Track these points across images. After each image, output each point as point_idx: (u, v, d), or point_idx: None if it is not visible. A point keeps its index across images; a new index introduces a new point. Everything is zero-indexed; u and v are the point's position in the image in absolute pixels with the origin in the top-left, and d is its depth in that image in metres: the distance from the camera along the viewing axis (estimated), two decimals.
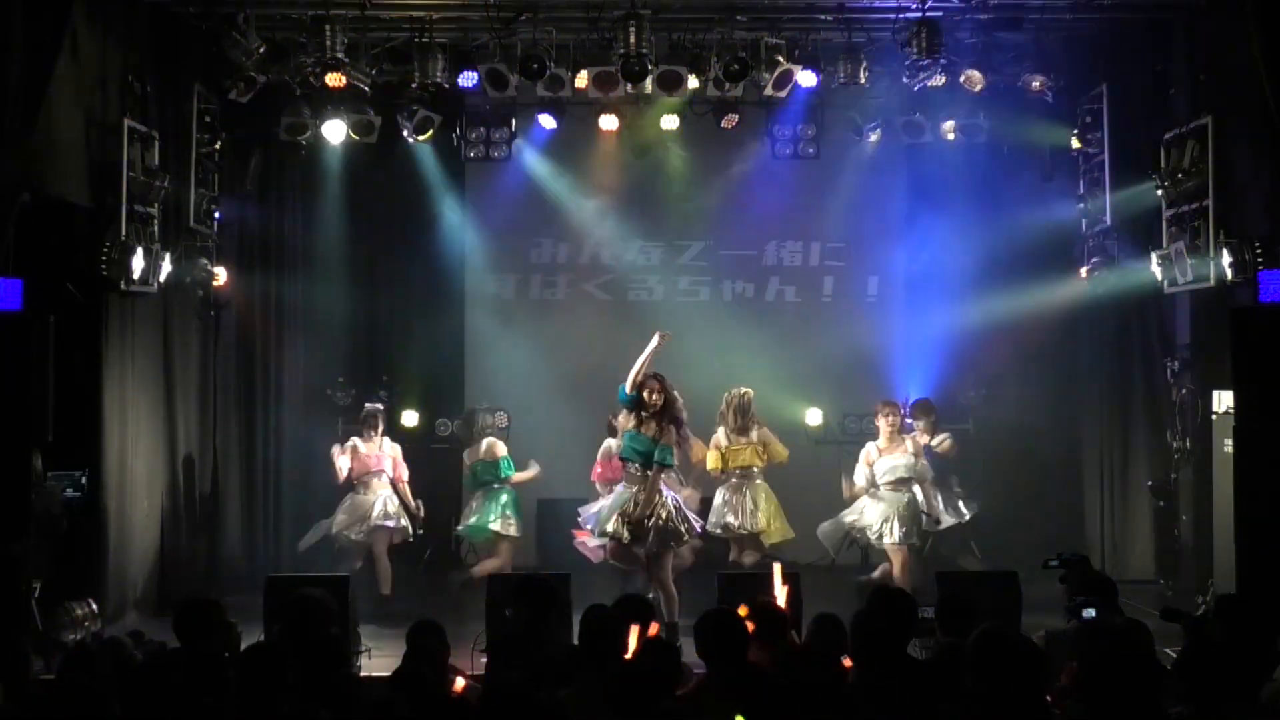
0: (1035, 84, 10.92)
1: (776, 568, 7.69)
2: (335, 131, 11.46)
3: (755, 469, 10.31)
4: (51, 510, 8.41)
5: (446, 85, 10.77)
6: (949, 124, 11.68)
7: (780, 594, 7.25)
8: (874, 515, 10.18)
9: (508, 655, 6.42)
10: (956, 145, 11.93)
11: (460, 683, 5.67)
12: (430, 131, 11.57)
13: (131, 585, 10.00)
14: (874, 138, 12.06)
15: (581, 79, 10.77)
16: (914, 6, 10.07)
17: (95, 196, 9.41)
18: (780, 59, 10.52)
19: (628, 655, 5.55)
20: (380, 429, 10.63)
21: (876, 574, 10.24)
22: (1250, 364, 7.98)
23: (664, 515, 8.99)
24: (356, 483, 10.49)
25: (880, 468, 10.29)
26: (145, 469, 10.25)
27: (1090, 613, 6.29)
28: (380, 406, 10.89)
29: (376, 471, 10.47)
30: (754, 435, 10.32)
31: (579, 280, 13.07)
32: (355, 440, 10.58)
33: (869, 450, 10.39)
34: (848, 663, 5.39)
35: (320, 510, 10.88)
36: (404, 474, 10.67)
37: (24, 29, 7.90)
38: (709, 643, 5.30)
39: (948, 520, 10.72)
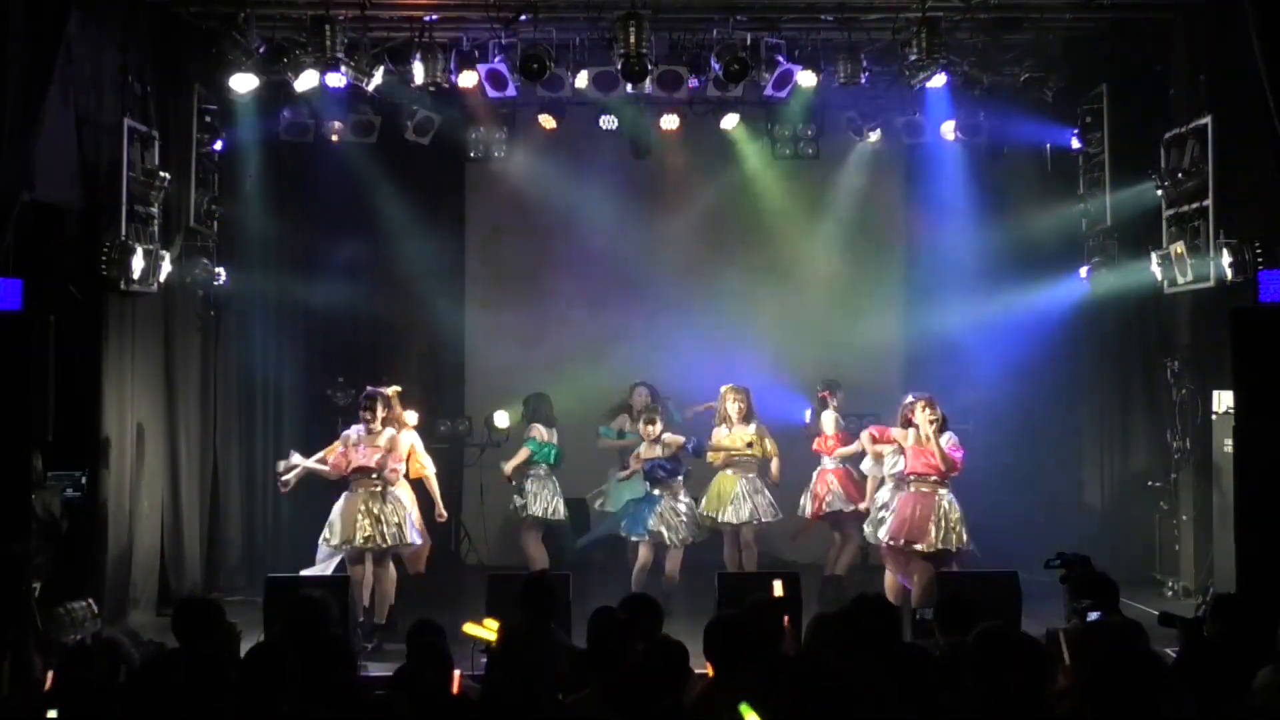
0: (1035, 84, 10.92)
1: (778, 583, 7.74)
2: (334, 130, 11.45)
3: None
4: (51, 510, 8.40)
5: (446, 85, 10.77)
6: (949, 124, 11.70)
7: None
8: None
9: (508, 655, 6.41)
10: (956, 145, 11.95)
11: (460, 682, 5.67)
12: (430, 131, 11.58)
13: (132, 585, 9.98)
14: (874, 138, 12.07)
15: (581, 79, 10.78)
16: (914, 6, 10.07)
17: (95, 196, 9.40)
18: (780, 59, 10.53)
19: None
20: (381, 415, 9.41)
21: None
22: (1250, 364, 7.97)
23: None
24: (351, 481, 9.41)
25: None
26: (145, 469, 10.24)
27: (1094, 614, 6.28)
28: (382, 390, 9.59)
29: (362, 469, 9.31)
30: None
31: (579, 280, 13.06)
32: (355, 428, 9.55)
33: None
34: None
35: (323, 513, 10.81)
36: (396, 469, 9.33)
37: (24, 29, 7.89)
38: (717, 647, 5.27)
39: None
